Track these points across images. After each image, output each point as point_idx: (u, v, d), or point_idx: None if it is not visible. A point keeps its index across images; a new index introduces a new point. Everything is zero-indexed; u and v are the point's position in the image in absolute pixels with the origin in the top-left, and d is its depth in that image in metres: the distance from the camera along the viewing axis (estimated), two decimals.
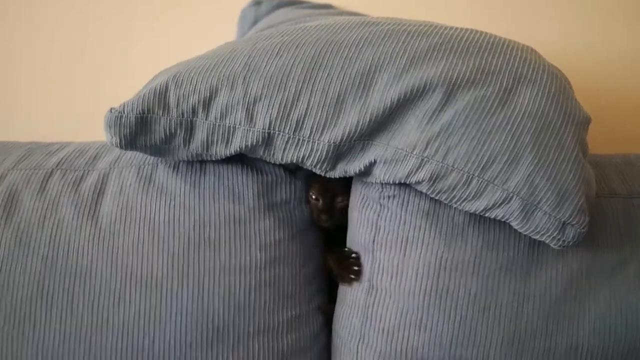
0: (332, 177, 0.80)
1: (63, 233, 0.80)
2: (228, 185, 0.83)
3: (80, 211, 0.81)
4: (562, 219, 0.71)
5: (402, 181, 0.76)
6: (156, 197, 0.82)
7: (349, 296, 0.84)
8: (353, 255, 0.84)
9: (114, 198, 0.82)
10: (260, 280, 0.81)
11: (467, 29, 0.81)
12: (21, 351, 0.77)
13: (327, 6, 1.19)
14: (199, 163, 0.85)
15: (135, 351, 0.77)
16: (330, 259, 0.88)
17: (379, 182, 0.79)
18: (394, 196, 0.81)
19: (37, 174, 0.85)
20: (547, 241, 0.74)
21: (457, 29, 0.81)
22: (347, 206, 0.88)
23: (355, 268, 0.83)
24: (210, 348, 0.78)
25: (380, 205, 0.81)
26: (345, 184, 0.87)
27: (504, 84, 0.74)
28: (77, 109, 1.28)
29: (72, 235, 0.80)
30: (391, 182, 0.77)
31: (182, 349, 0.78)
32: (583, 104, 0.79)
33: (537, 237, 0.74)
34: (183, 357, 0.78)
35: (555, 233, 0.72)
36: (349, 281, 0.84)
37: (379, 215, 0.81)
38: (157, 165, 0.85)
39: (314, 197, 0.87)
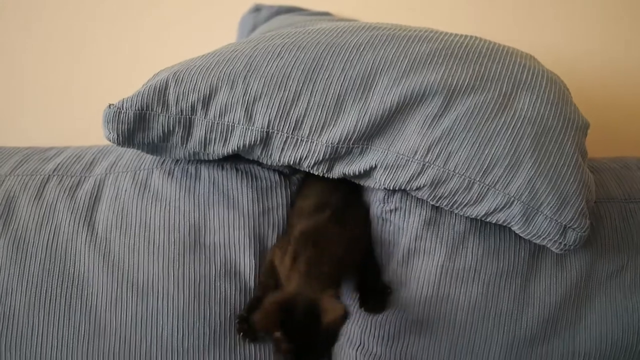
0: (331, 177, 0.79)
1: (60, 239, 0.80)
2: (223, 191, 0.83)
3: (77, 217, 0.81)
4: (564, 223, 0.71)
5: (403, 187, 0.76)
6: (151, 203, 0.82)
7: (350, 304, 0.82)
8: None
9: (110, 204, 0.82)
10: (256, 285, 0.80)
11: (467, 36, 0.82)
12: (21, 356, 0.77)
13: (326, 13, 1.20)
14: (194, 169, 0.85)
15: (133, 356, 0.77)
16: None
17: (379, 187, 0.79)
18: (395, 209, 0.81)
19: (34, 179, 0.85)
20: (548, 245, 0.74)
21: (457, 35, 0.81)
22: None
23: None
24: (208, 352, 0.78)
25: (383, 219, 0.82)
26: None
27: (504, 89, 0.74)
28: (75, 113, 1.28)
29: (68, 242, 0.80)
30: (392, 187, 0.77)
31: (180, 353, 0.78)
32: (581, 110, 0.80)
33: (538, 241, 0.74)
34: None
35: (557, 237, 0.72)
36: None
37: (381, 230, 0.81)
38: (152, 171, 0.85)
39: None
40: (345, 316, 0.67)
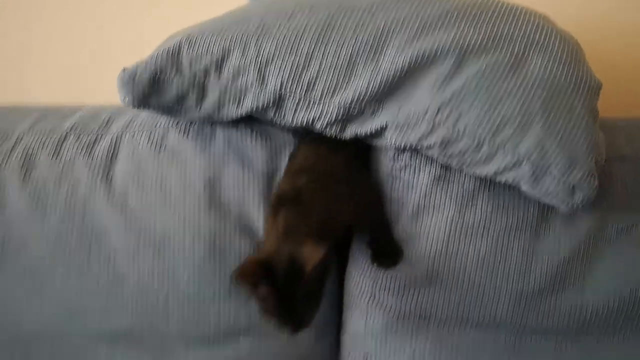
0: (344, 138, 0.80)
1: (78, 195, 0.82)
2: (238, 150, 0.84)
3: (95, 174, 0.83)
4: (572, 183, 0.72)
5: (414, 146, 0.76)
6: (167, 161, 0.83)
7: (362, 258, 0.85)
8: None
9: (127, 162, 0.84)
10: None
11: None
12: (42, 305, 0.81)
13: None
14: (209, 128, 0.86)
15: (151, 306, 0.81)
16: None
17: (390, 146, 0.79)
18: (405, 166, 0.81)
19: (52, 137, 0.87)
20: (556, 204, 0.75)
21: None
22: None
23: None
24: (223, 303, 0.81)
25: (393, 177, 0.82)
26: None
27: (516, 50, 0.74)
28: (89, 72, 1.28)
29: (87, 197, 0.82)
30: (402, 146, 0.77)
31: (196, 304, 0.81)
32: (595, 69, 0.79)
33: (546, 200, 0.75)
34: (197, 311, 0.81)
35: (564, 196, 0.73)
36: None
37: (391, 187, 0.82)
38: (168, 130, 0.86)
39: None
40: (325, 258, 0.66)
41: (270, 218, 0.75)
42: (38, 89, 1.28)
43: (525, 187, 0.74)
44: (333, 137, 0.80)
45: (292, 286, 0.67)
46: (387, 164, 0.83)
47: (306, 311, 0.69)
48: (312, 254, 0.66)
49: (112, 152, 0.85)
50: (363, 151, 0.85)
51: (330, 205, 0.75)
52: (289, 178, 0.80)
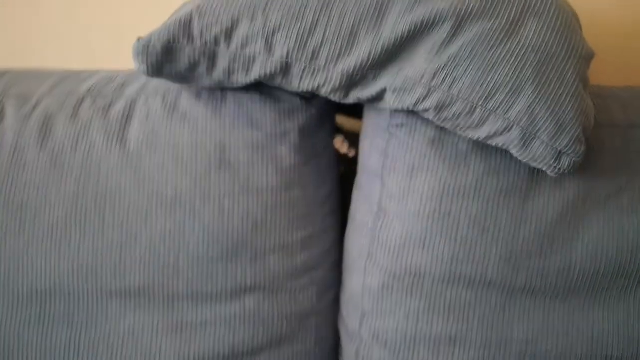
0: (347, 103, 0.84)
1: (94, 156, 0.85)
2: (247, 113, 0.87)
3: (110, 135, 0.87)
4: (559, 148, 0.75)
5: (411, 108, 0.79)
6: (180, 123, 0.87)
7: (359, 218, 0.89)
8: None
9: (141, 123, 0.87)
10: (276, 202, 0.86)
11: None
12: (58, 265, 0.84)
13: None
14: (221, 92, 0.89)
15: (162, 265, 0.84)
16: None
17: (389, 108, 0.83)
18: (402, 125, 0.85)
19: (70, 99, 0.90)
20: (544, 168, 0.78)
21: None
22: None
23: None
24: (230, 262, 0.85)
25: (389, 133, 0.86)
26: None
27: (512, 16, 0.76)
28: (104, 39, 1.30)
29: (102, 159, 0.85)
30: (400, 108, 0.80)
31: (205, 263, 0.84)
32: (592, 38, 0.80)
33: (534, 164, 0.78)
34: (205, 270, 0.85)
35: (552, 161, 0.76)
36: None
37: (387, 143, 0.86)
38: (181, 93, 0.89)
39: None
40: None
41: None
42: (57, 58, 1.31)
43: (515, 151, 0.77)
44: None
45: None
46: (384, 119, 0.86)
47: None
48: None
49: (126, 114, 0.88)
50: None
51: None
52: None
